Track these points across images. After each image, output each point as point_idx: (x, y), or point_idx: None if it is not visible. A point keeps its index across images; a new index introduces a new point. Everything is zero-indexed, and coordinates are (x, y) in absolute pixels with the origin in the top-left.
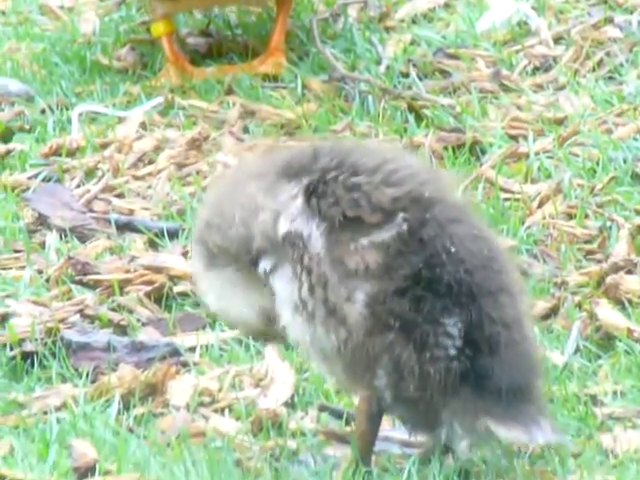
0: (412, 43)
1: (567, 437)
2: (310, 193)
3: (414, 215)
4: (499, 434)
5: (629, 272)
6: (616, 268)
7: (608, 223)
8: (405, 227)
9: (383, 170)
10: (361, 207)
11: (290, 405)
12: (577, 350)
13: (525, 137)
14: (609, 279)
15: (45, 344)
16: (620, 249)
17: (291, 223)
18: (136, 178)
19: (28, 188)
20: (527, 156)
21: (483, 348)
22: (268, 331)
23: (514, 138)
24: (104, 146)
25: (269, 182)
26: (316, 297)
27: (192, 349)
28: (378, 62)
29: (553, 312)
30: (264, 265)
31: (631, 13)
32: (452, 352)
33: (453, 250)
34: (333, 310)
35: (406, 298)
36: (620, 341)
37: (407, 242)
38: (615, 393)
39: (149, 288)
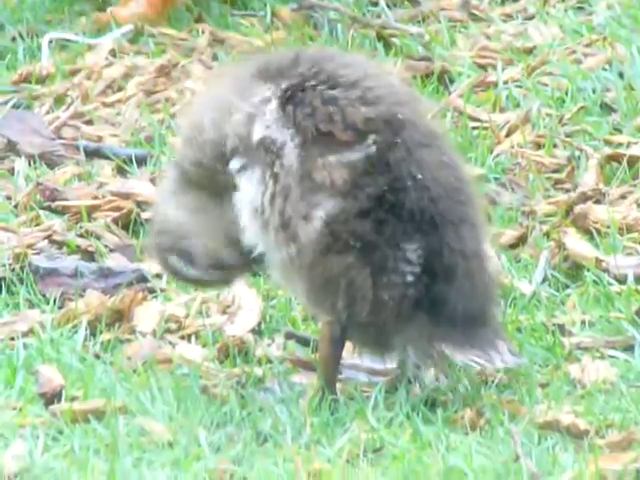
0: None
1: (524, 359)
2: (287, 99)
3: (384, 138)
4: (456, 359)
5: (597, 202)
6: (584, 198)
7: (577, 153)
8: (374, 149)
9: (361, 86)
10: (335, 123)
11: (257, 332)
12: (545, 279)
13: (494, 66)
14: (577, 209)
15: (13, 270)
16: (588, 179)
17: (266, 129)
18: (105, 105)
19: None
20: (496, 85)
21: (440, 276)
22: (225, 262)
23: (483, 67)
24: (74, 73)
25: (243, 83)
26: (274, 207)
27: (159, 275)
28: None
29: (521, 241)
30: (234, 164)
31: None
32: (409, 278)
33: (419, 177)
34: (287, 224)
35: (368, 219)
36: (588, 271)
37: (374, 164)
38: (583, 323)
39: (117, 214)
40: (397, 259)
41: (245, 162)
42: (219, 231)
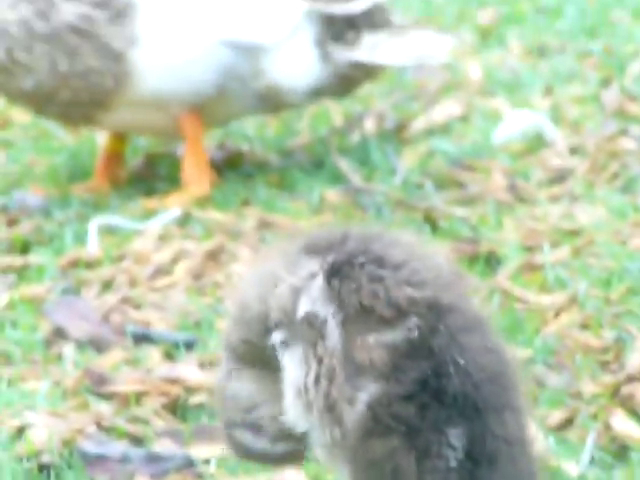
0: (428, 155)
1: None
2: (333, 274)
3: (427, 322)
4: None
5: None
6: (631, 379)
7: (623, 334)
8: (416, 333)
9: (408, 267)
10: (378, 299)
11: None
12: (592, 460)
13: (541, 248)
14: (624, 389)
15: (61, 455)
16: (635, 360)
17: (312, 304)
18: (153, 290)
19: (46, 300)
20: (542, 267)
21: (483, 462)
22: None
23: (530, 249)
24: (121, 258)
25: (291, 257)
26: (319, 389)
27: (207, 461)
28: (393, 173)
29: (568, 422)
30: (276, 337)
31: None
32: (453, 464)
33: (462, 362)
34: (332, 407)
35: (411, 403)
36: (635, 451)
37: (416, 348)
38: None
39: (165, 399)
40: (441, 444)
41: (288, 337)
42: (282, 397)
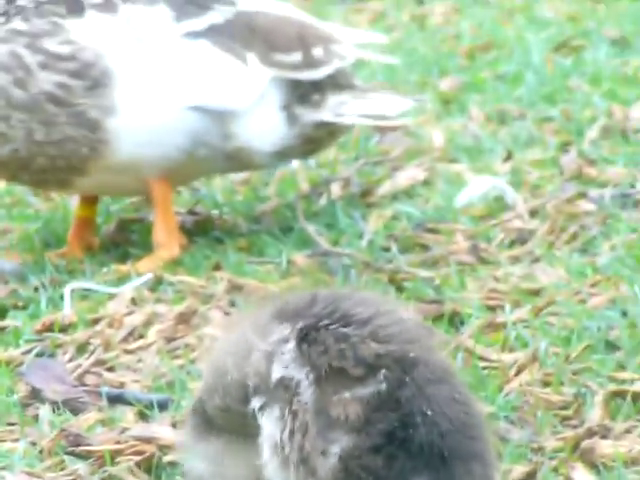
0: (393, 218)
1: None
2: (302, 338)
3: (395, 375)
4: None
5: (603, 437)
6: (591, 433)
7: (583, 390)
8: (384, 386)
9: (373, 324)
10: (346, 359)
11: None
12: None
13: (502, 308)
14: (584, 444)
15: None
16: (594, 415)
17: (285, 369)
18: (127, 352)
19: (22, 363)
20: (504, 326)
21: None
22: None
23: (492, 309)
24: (95, 321)
25: (262, 323)
26: (294, 443)
27: None
28: (360, 237)
29: (530, 476)
30: (255, 403)
31: (604, 187)
32: None
33: (429, 413)
34: (306, 460)
35: (380, 455)
36: None
37: (385, 401)
38: None
39: (139, 458)
40: None
41: (265, 400)
42: (249, 476)
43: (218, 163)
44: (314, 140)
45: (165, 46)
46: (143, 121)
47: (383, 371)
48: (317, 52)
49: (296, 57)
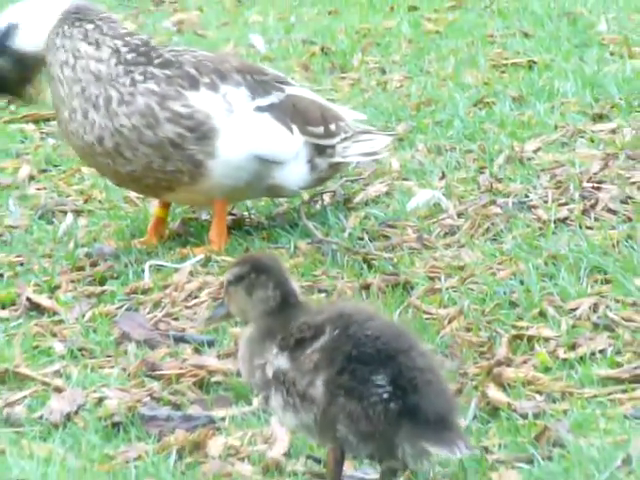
0: (365, 218)
1: (476, 450)
2: (281, 340)
3: (341, 325)
4: (433, 452)
5: (508, 365)
6: (499, 363)
7: (494, 334)
8: (336, 332)
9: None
10: (303, 331)
11: (287, 455)
12: (475, 417)
13: (439, 278)
14: (495, 370)
15: (127, 417)
16: (502, 351)
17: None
18: (186, 307)
19: (116, 315)
20: (440, 290)
21: (407, 387)
22: None
23: (432, 279)
24: (165, 287)
25: (260, 344)
26: (293, 396)
27: (223, 419)
28: (343, 230)
29: (459, 392)
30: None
31: (507, 197)
32: (385, 396)
33: (369, 333)
34: (304, 394)
35: (345, 374)
36: (503, 411)
37: (337, 340)
38: (500, 445)
39: (195, 379)
40: (369, 388)
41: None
42: None
43: (259, 192)
44: (325, 177)
45: (244, 115)
46: (229, 162)
47: (329, 326)
48: (332, 126)
49: (320, 130)
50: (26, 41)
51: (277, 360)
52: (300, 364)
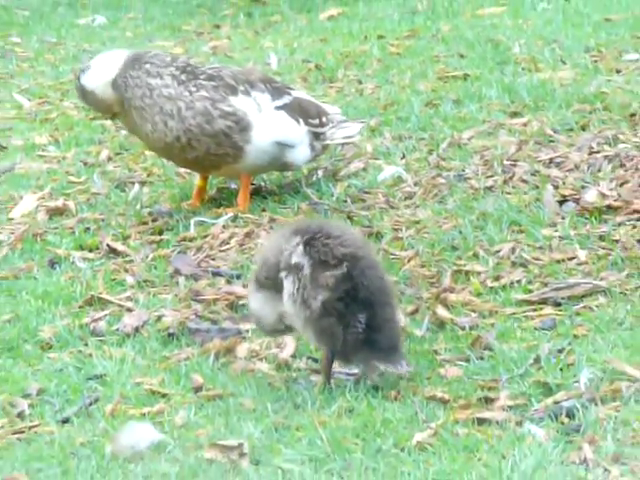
0: (348, 186)
1: (412, 367)
2: (306, 244)
3: (351, 264)
4: (382, 368)
5: (450, 292)
6: (445, 290)
7: (440, 269)
8: (345, 270)
9: (341, 237)
10: (327, 255)
11: (294, 356)
12: (427, 329)
13: (401, 229)
14: (442, 295)
15: (179, 329)
16: (447, 281)
17: (297, 258)
18: (220, 251)
19: (170, 256)
20: (402, 238)
21: (374, 327)
22: (279, 327)
23: (395, 230)
24: (205, 236)
25: (286, 235)
26: (300, 292)
27: (247, 330)
28: (332, 195)
29: (415, 311)
30: (282, 274)
31: (449, 171)
32: (360, 329)
33: (366, 283)
34: (305, 300)
35: (342, 302)
36: (447, 325)
37: (345, 277)
38: (445, 349)
39: (227, 302)
40: (355, 321)
41: (286, 273)
42: (274, 313)
43: (275, 168)
44: (319, 155)
45: (269, 112)
46: (259, 147)
47: (345, 263)
48: (323, 119)
49: (316, 121)
50: (92, 80)
51: (299, 251)
52: (315, 275)
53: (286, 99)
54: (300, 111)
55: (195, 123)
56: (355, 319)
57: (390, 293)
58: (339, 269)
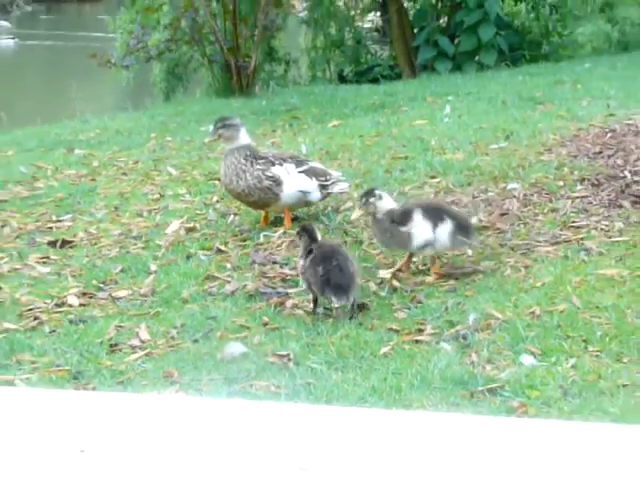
0: (344, 216)
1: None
2: (308, 252)
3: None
4: (338, 302)
5: (400, 271)
6: (398, 270)
7: (396, 259)
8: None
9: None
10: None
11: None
12: (388, 292)
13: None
14: (396, 273)
15: (255, 292)
16: (398, 265)
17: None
18: (277, 251)
19: (249, 253)
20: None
21: (334, 273)
22: None
23: (371, 238)
24: (267, 242)
25: (304, 246)
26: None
27: (292, 293)
28: (335, 220)
29: (381, 283)
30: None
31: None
32: (322, 273)
33: (339, 259)
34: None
35: (318, 261)
36: (398, 289)
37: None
38: (397, 303)
39: (280, 278)
40: (320, 267)
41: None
42: None
43: (300, 205)
44: (325, 197)
45: (294, 174)
46: (289, 195)
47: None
48: (328, 178)
49: (323, 179)
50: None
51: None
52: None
53: (305, 166)
54: (314, 173)
55: (252, 183)
56: (323, 264)
57: (352, 270)
58: (333, 260)
